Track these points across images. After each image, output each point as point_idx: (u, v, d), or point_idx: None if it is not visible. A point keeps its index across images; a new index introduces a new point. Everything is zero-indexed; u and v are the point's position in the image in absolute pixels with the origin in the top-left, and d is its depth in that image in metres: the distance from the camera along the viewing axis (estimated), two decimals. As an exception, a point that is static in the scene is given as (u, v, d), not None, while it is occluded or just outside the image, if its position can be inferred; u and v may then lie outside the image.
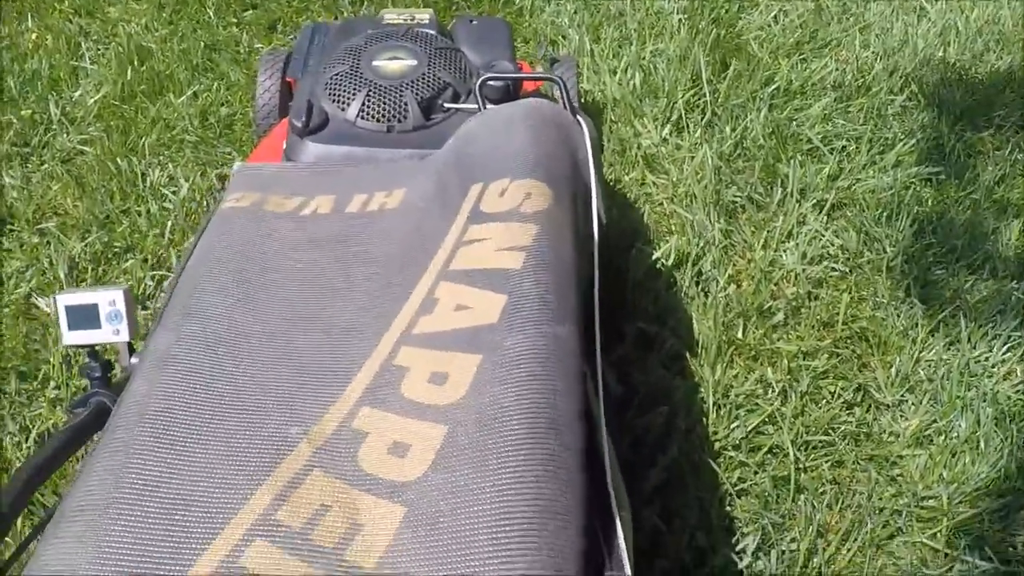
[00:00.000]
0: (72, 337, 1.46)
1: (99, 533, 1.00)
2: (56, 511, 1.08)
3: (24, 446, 2.16)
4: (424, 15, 2.28)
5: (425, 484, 1.03)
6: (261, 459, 1.10)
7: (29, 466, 1.17)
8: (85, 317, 1.45)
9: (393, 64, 1.99)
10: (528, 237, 1.32)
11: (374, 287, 1.37)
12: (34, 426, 2.20)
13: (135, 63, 3.29)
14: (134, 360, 1.48)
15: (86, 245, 2.62)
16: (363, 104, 1.91)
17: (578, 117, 1.78)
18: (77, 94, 3.21)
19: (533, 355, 1.14)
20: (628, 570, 1.05)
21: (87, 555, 0.98)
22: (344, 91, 1.95)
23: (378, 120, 1.90)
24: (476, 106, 1.89)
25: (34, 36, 3.50)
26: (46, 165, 2.94)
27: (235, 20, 3.56)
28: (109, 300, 1.44)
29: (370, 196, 1.59)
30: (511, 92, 1.94)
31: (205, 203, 2.74)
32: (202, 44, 3.40)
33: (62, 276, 2.52)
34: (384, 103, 1.91)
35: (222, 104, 3.14)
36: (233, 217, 1.53)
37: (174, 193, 2.79)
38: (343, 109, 1.92)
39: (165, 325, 1.32)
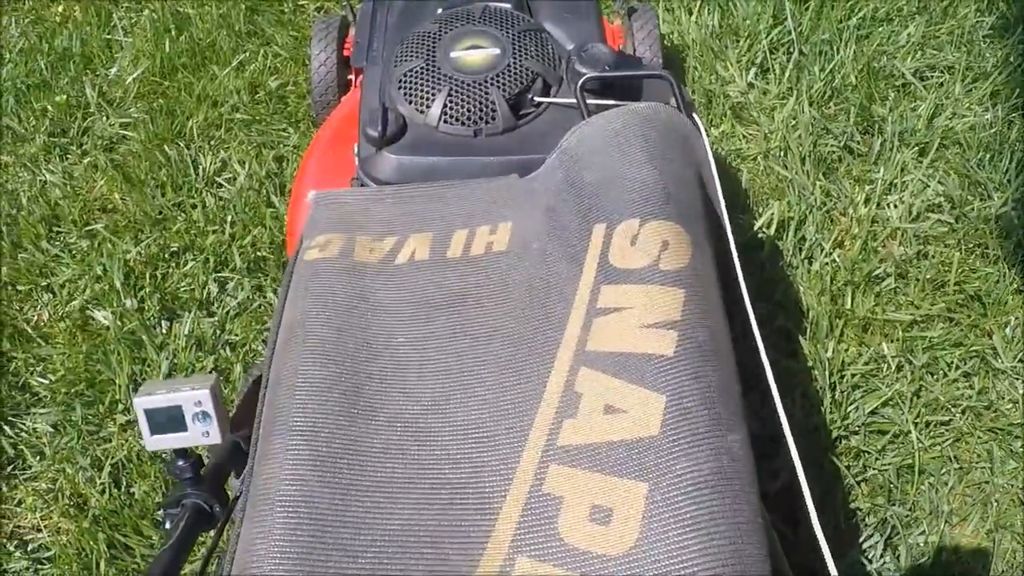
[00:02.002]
0: (155, 442, 1.31)
1: None
2: None
3: (98, 481, 2.06)
4: None
5: None
6: None
7: None
8: (169, 420, 1.30)
9: (474, 54, 1.79)
10: (676, 309, 1.16)
11: (501, 373, 1.21)
12: (107, 458, 2.10)
13: (172, 32, 3.12)
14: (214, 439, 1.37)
15: (141, 247, 2.48)
16: (445, 105, 1.71)
17: (694, 115, 1.62)
18: (113, 71, 3.04)
19: (710, 485, 1.00)
20: None
21: None
22: (422, 91, 1.75)
23: (463, 123, 1.71)
24: (573, 101, 1.69)
25: (60, 8, 3.32)
26: (88, 157, 2.78)
27: (276, -28, 3.35)
28: (195, 401, 1.28)
29: (472, 233, 1.42)
30: (612, 81, 1.74)
31: (264, 191, 2.59)
32: (243, 5, 3.20)
33: (118, 285, 2.38)
34: (469, 103, 1.72)
35: (271, 74, 2.96)
36: (322, 272, 1.36)
37: (230, 182, 2.64)
38: (422, 112, 1.73)
39: (268, 450, 1.17)
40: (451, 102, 1.71)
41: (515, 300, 1.29)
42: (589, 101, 1.66)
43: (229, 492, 1.35)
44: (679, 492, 0.98)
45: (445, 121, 1.71)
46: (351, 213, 1.49)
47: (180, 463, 1.29)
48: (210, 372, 2.20)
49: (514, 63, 1.76)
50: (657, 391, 1.07)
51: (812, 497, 1.00)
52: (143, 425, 1.29)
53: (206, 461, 1.35)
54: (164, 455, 1.99)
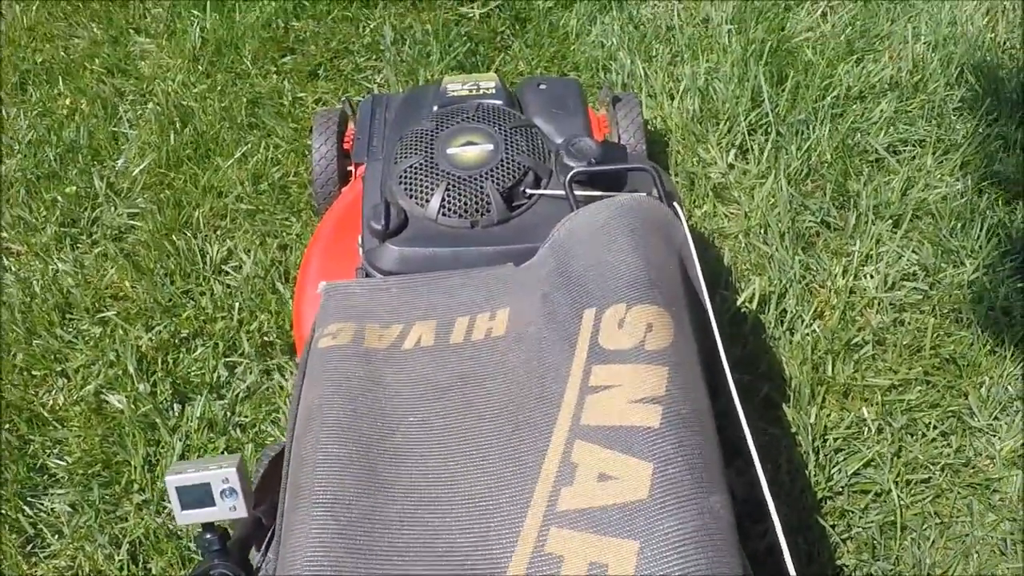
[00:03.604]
0: (186, 517, 1.43)
1: None
2: None
3: (116, 558, 2.14)
4: (489, 83, 2.23)
5: None
6: None
7: None
8: (198, 497, 1.42)
9: (469, 151, 1.92)
10: (661, 385, 1.28)
11: (503, 448, 1.33)
12: (124, 536, 2.18)
13: (176, 125, 3.22)
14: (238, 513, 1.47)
15: (152, 334, 2.57)
16: (443, 200, 1.85)
17: (674, 204, 1.75)
18: (120, 163, 3.13)
19: (693, 540, 1.12)
20: None
21: None
22: (421, 186, 1.89)
23: (460, 216, 1.84)
24: (562, 192, 1.82)
25: (68, 101, 3.42)
26: (98, 246, 2.87)
27: (274, 68, 3.47)
28: (222, 478, 1.41)
29: (472, 320, 1.54)
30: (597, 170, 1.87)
31: (270, 278, 2.68)
32: (244, 99, 3.31)
33: (131, 370, 2.47)
34: (465, 197, 1.85)
35: (273, 164, 3.06)
36: (335, 359, 1.48)
37: (236, 270, 2.74)
38: (422, 206, 1.86)
39: (293, 520, 1.29)
40: (449, 196, 1.84)
41: (514, 381, 1.41)
42: (577, 192, 1.79)
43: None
44: (667, 548, 1.10)
45: (444, 214, 1.84)
46: (359, 303, 1.61)
47: (208, 536, 1.40)
48: (234, 452, 2.30)
49: (507, 158, 1.90)
50: (645, 459, 1.20)
51: (799, 555, 1.10)
52: (174, 501, 1.41)
53: (229, 534, 1.47)
54: (184, 531, 2.11)
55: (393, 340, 1.52)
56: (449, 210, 1.85)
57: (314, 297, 1.74)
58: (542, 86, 2.24)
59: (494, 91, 2.19)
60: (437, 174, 1.89)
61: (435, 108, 2.12)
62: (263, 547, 1.44)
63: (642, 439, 1.23)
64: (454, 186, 1.86)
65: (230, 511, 1.42)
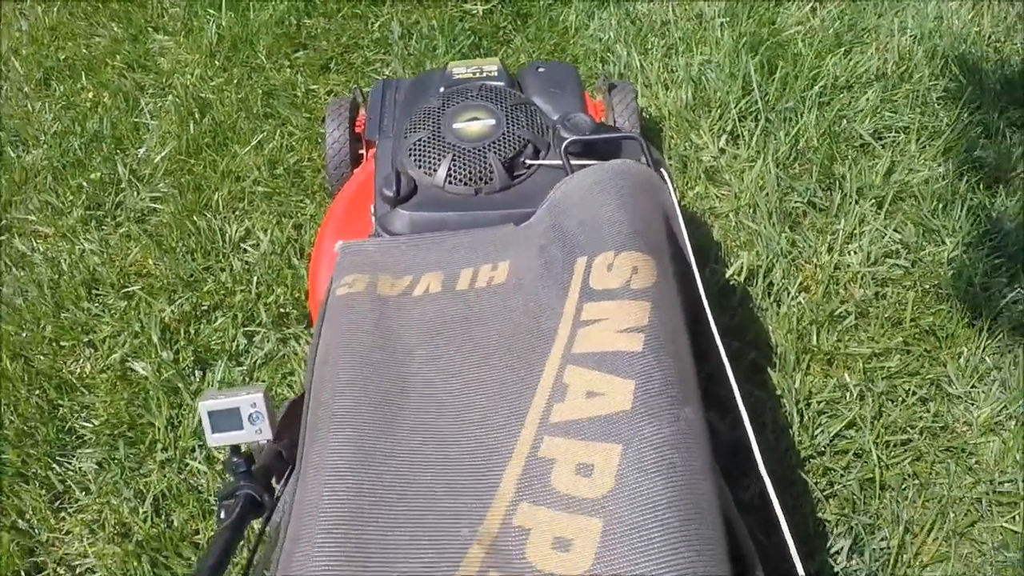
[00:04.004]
0: (216, 439, 1.55)
1: None
2: None
3: (141, 511, 2.25)
4: (492, 66, 2.34)
5: None
6: (440, 564, 1.19)
7: (208, 567, 1.26)
8: (227, 420, 1.54)
9: (473, 126, 2.04)
10: (643, 317, 1.40)
11: (505, 373, 1.45)
12: (148, 490, 2.29)
13: (195, 116, 3.34)
14: (262, 441, 1.57)
15: (175, 307, 2.69)
16: (450, 169, 1.96)
17: (661, 170, 1.86)
18: (142, 151, 3.26)
19: (669, 443, 1.23)
20: None
21: None
22: (429, 157, 2.00)
23: (465, 184, 1.95)
24: (559, 162, 1.94)
25: (91, 95, 3.54)
26: (122, 227, 2.99)
27: (287, 63, 3.59)
28: (250, 403, 1.53)
29: (476, 270, 1.66)
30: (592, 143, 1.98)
31: (286, 254, 2.80)
32: (259, 91, 3.43)
33: (155, 340, 2.59)
34: (470, 166, 1.96)
35: (288, 151, 3.18)
36: (351, 304, 1.60)
37: (254, 247, 2.85)
38: (430, 175, 1.97)
39: (314, 435, 1.41)
40: (455, 166, 1.96)
41: (513, 319, 1.53)
42: (572, 162, 1.90)
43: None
44: (647, 448, 1.22)
45: (450, 182, 1.95)
46: (373, 258, 1.73)
47: (235, 459, 1.51)
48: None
49: (508, 132, 2.01)
50: (629, 378, 1.32)
51: (786, 506, 1.20)
52: (206, 425, 1.54)
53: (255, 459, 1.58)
54: (204, 486, 2.21)
55: (404, 289, 1.64)
56: (455, 178, 1.96)
57: (327, 270, 1.85)
58: (541, 69, 2.36)
59: (496, 74, 2.30)
60: (444, 146, 2.01)
61: (442, 89, 2.23)
62: (283, 479, 1.54)
63: (626, 361, 1.35)
64: (459, 157, 1.98)
65: (256, 434, 1.54)
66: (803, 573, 1.17)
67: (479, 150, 1.98)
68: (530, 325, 1.50)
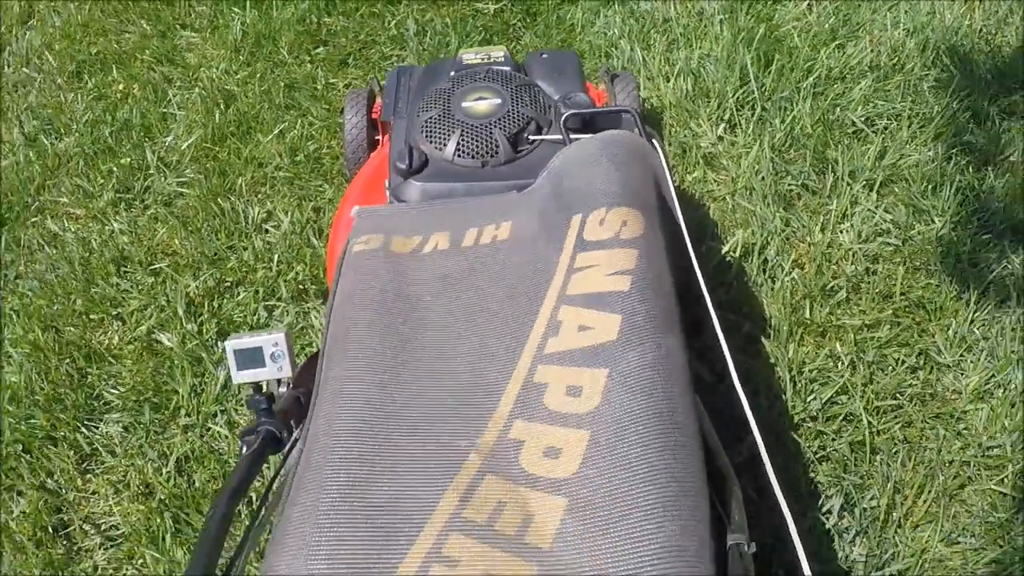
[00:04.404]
0: (241, 376, 1.62)
1: (318, 539, 1.16)
2: (275, 528, 1.23)
3: (164, 470, 2.29)
4: (499, 53, 2.37)
5: (579, 479, 1.19)
6: (442, 470, 1.25)
7: (226, 495, 1.29)
8: (251, 358, 1.60)
9: (480, 104, 2.08)
10: (631, 261, 1.45)
11: (505, 314, 1.50)
12: (171, 452, 2.33)
13: (220, 106, 3.38)
14: (282, 390, 1.64)
15: (199, 282, 2.72)
16: (458, 143, 2.00)
17: (653, 141, 1.89)
18: (169, 139, 3.30)
19: (651, 366, 1.30)
20: (746, 532, 1.28)
21: (315, 560, 1.14)
22: (439, 133, 2.04)
23: (473, 157, 1.99)
24: (559, 136, 1.98)
25: (121, 87, 3.59)
26: (150, 209, 3.03)
27: (308, 58, 3.62)
28: (272, 342, 1.60)
29: (481, 230, 1.70)
30: (589, 119, 2.04)
31: (305, 234, 2.84)
32: (281, 84, 3.47)
33: (180, 312, 2.63)
34: (477, 141, 2.00)
35: (308, 140, 3.22)
36: (365, 258, 1.65)
37: (275, 228, 2.89)
38: (440, 149, 2.01)
39: (331, 362, 1.46)
40: (463, 141, 2.00)
41: (514, 270, 1.59)
42: (572, 136, 1.94)
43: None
44: (630, 372, 1.29)
45: (458, 156, 1.99)
46: (386, 221, 1.79)
47: (257, 397, 1.57)
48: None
49: (512, 110, 2.06)
50: (615, 313, 1.38)
51: (777, 467, 1.24)
52: (231, 363, 1.61)
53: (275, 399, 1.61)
54: (225, 449, 2.23)
55: (414, 247, 1.69)
56: (463, 152, 2.00)
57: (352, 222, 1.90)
58: (544, 56, 2.39)
59: (503, 59, 2.34)
60: (453, 123, 2.05)
61: (452, 73, 2.26)
62: (301, 423, 1.57)
63: (614, 299, 1.40)
64: (467, 132, 2.02)
65: (278, 371, 1.61)
66: (795, 530, 1.19)
67: (486, 126, 2.02)
68: (529, 274, 1.55)
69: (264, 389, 1.63)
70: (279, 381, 1.65)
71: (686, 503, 1.14)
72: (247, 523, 1.44)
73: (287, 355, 1.60)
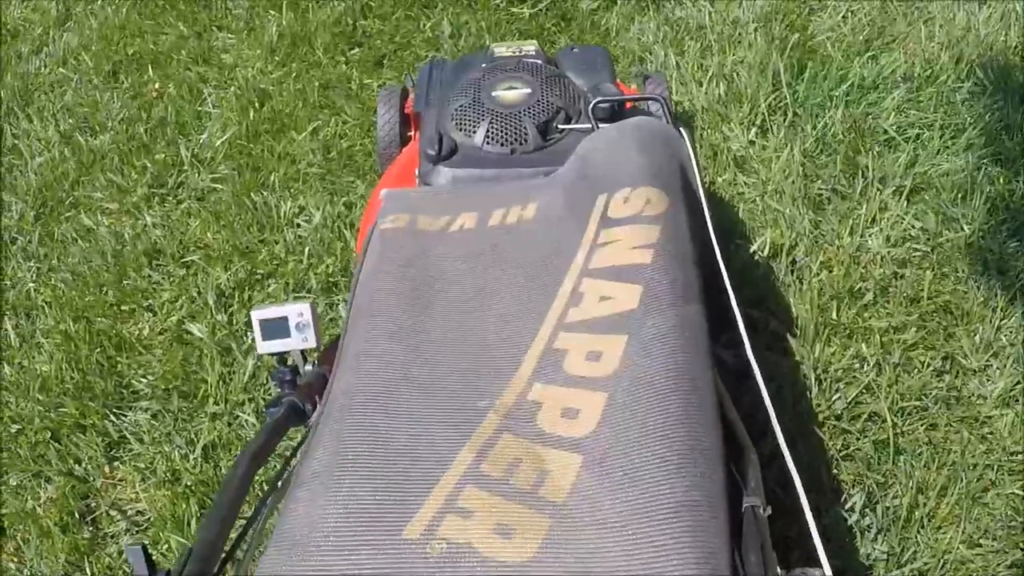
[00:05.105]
0: (266, 347, 1.65)
1: (335, 487, 1.20)
2: (292, 481, 1.27)
3: (191, 457, 2.35)
4: (530, 47, 2.43)
5: (596, 437, 1.23)
6: (460, 426, 1.30)
7: (246, 457, 1.34)
8: (277, 329, 1.64)
9: (510, 93, 2.14)
10: (654, 236, 1.50)
11: (527, 286, 1.55)
12: (198, 439, 2.39)
13: (255, 105, 3.47)
14: (308, 367, 1.68)
15: (230, 274, 2.80)
16: (488, 131, 2.05)
17: (680, 129, 1.95)
18: (204, 137, 3.39)
19: (670, 331, 1.34)
20: (762, 496, 1.30)
21: (331, 506, 1.18)
22: (469, 120, 2.10)
23: (502, 144, 2.04)
24: (588, 126, 2.04)
25: (156, 86, 3.69)
26: (183, 204, 3.12)
27: (343, 59, 3.72)
28: (298, 312, 1.63)
29: (507, 210, 1.75)
30: (617, 110, 2.09)
31: (337, 229, 2.91)
32: (316, 83, 3.56)
33: (211, 304, 2.70)
34: (506, 129, 2.05)
35: (341, 137, 3.30)
36: (393, 236, 1.71)
37: (307, 222, 2.97)
38: (470, 136, 2.07)
39: (354, 329, 1.52)
40: (492, 128, 2.06)
41: (538, 246, 1.64)
42: (600, 126, 1.99)
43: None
44: (650, 338, 1.33)
45: (487, 143, 2.05)
46: (415, 201, 1.84)
47: (282, 369, 1.61)
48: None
49: (542, 99, 2.11)
50: (636, 284, 1.43)
51: (797, 466, 1.27)
52: (257, 333, 1.64)
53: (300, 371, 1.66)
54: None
55: (442, 226, 1.74)
56: (492, 139, 2.05)
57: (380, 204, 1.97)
58: (575, 50, 2.45)
59: (534, 53, 2.40)
60: (483, 111, 2.10)
61: (483, 65, 2.33)
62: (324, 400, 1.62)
63: (636, 271, 1.45)
64: (497, 120, 2.07)
65: (303, 342, 1.64)
66: (814, 526, 1.18)
67: (515, 114, 2.08)
68: (553, 250, 1.60)
69: (289, 362, 1.67)
70: (304, 355, 1.68)
71: (701, 460, 1.17)
72: (268, 486, 1.49)
73: (312, 325, 1.63)
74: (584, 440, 1.23)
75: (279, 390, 1.59)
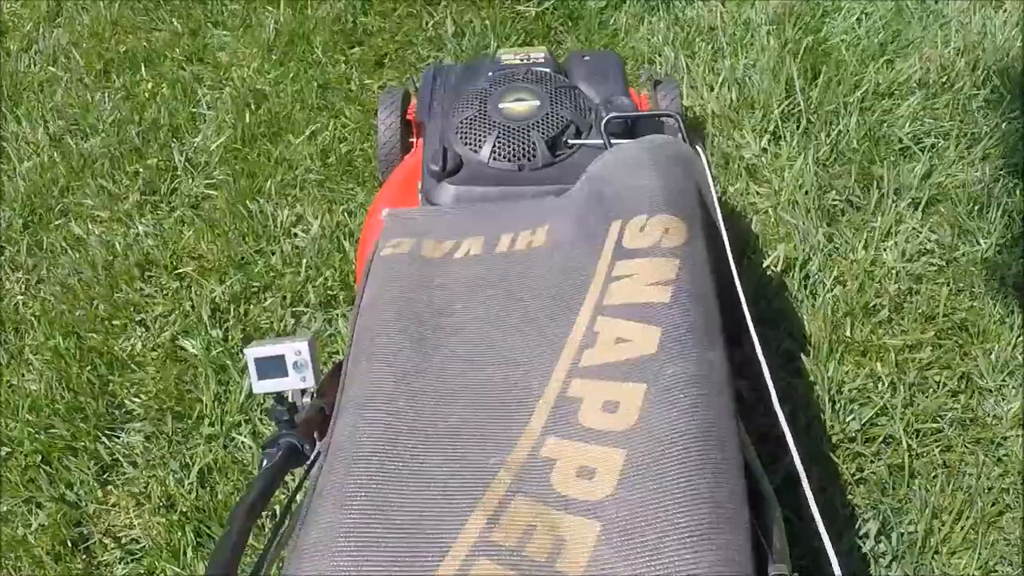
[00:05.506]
0: (261, 386, 1.60)
1: (337, 563, 1.16)
2: (294, 547, 1.23)
3: (186, 482, 2.33)
4: (539, 54, 2.41)
5: (615, 502, 1.18)
6: (469, 488, 1.25)
7: (243, 508, 1.30)
8: (273, 367, 1.58)
9: (518, 106, 2.12)
10: (672, 271, 1.46)
11: (538, 324, 1.51)
12: (194, 463, 2.36)
13: (251, 107, 3.45)
14: (305, 400, 1.64)
15: (225, 287, 2.77)
16: (494, 146, 2.03)
17: (696, 147, 1.93)
18: (198, 140, 3.36)
19: (693, 382, 1.29)
20: (788, 561, 1.25)
21: None
22: (475, 134, 2.08)
23: (509, 160, 2.02)
24: (600, 141, 2.01)
25: (149, 86, 3.67)
26: (176, 211, 3.09)
27: (343, 58, 3.69)
28: (295, 351, 1.57)
29: (516, 235, 1.72)
30: (630, 124, 2.06)
31: (335, 239, 2.88)
32: (315, 84, 3.54)
33: (205, 319, 2.67)
34: (514, 144, 2.04)
35: (340, 141, 3.28)
36: (394, 263, 1.68)
37: (305, 232, 2.94)
38: (476, 151, 2.05)
39: (353, 373, 1.48)
40: (499, 143, 2.03)
41: (549, 276, 1.60)
42: (613, 141, 1.97)
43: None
44: (671, 386, 1.29)
45: (494, 158, 2.03)
46: (418, 224, 1.81)
47: (279, 408, 1.56)
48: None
49: (551, 112, 2.08)
50: (656, 325, 1.39)
51: (812, 489, 1.24)
52: (252, 372, 1.59)
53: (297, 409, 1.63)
54: (248, 460, 2.27)
55: (446, 251, 1.71)
56: (499, 155, 2.03)
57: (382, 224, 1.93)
58: (586, 58, 2.42)
59: (543, 61, 2.37)
60: (490, 124, 2.08)
61: (490, 74, 2.31)
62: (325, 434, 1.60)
63: (654, 311, 1.41)
64: (504, 134, 2.05)
65: (301, 381, 1.59)
66: (835, 559, 1.18)
67: (523, 129, 2.06)
68: (565, 282, 1.56)
69: (288, 399, 1.61)
70: (303, 391, 1.63)
71: (727, 530, 1.13)
72: (267, 538, 1.46)
73: (311, 364, 1.58)
74: (602, 504, 1.19)
75: (276, 429, 1.55)
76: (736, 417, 1.33)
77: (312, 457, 1.51)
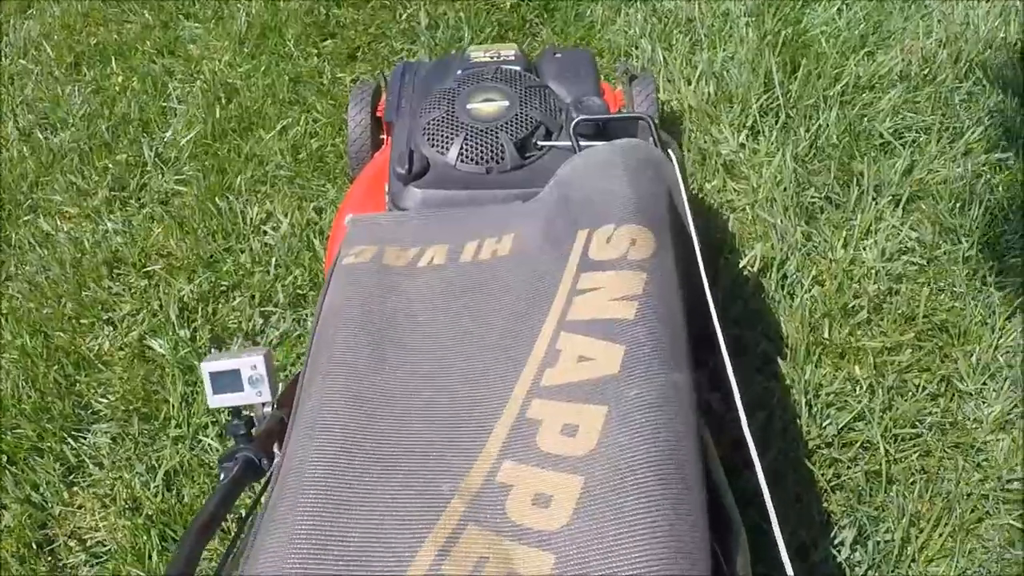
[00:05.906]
0: (216, 400, 1.55)
1: None
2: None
3: (152, 485, 2.29)
4: (509, 51, 2.36)
5: (570, 532, 1.13)
6: (420, 517, 1.20)
7: (197, 526, 1.26)
8: (228, 382, 1.54)
9: (487, 106, 2.07)
10: (638, 286, 1.42)
11: (498, 339, 1.47)
12: (160, 465, 2.33)
13: (222, 101, 3.42)
14: (266, 410, 1.59)
15: (194, 286, 2.74)
16: (462, 148, 1.99)
17: (668, 151, 1.89)
18: (168, 135, 3.33)
19: (655, 405, 1.25)
20: None
21: None
22: (442, 136, 2.03)
23: (477, 162, 1.98)
24: (569, 143, 1.96)
25: (120, 79, 3.63)
26: (146, 208, 3.06)
27: (315, 51, 3.66)
28: (251, 365, 1.53)
29: (481, 243, 1.68)
30: (602, 125, 2.02)
31: (305, 237, 2.85)
32: (286, 78, 3.51)
33: (173, 318, 2.64)
34: (482, 146, 1.99)
35: (311, 136, 3.25)
36: (355, 272, 1.63)
37: (274, 229, 2.91)
38: (443, 153, 1.99)
39: (308, 390, 1.44)
40: (467, 145, 1.99)
41: (513, 287, 1.55)
42: (583, 144, 1.92)
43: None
44: (632, 410, 1.24)
45: (462, 161, 1.98)
46: (381, 231, 1.77)
47: (235, 422, 1.52)
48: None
49: (520, 113, 2.04)
50: (619, 343, 1.34)
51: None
52: (207, 385, 1.54)
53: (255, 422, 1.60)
54: (215, 463, 2.24)
55: (409, 260, 1.67)
56: (467, 157, 1.99)
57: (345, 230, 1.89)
58: (557, 55, 2.38)
59: (513, 58, 2.33)
60: (457, 126, 2.04)
61: (459, 72, 2.26)
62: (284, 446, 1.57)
63: (618, 328, 1.36)
64: (472, 136, 2.01)
65: (256, 396, 1.55)
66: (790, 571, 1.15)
67: (491, 130, 2.01)
68: (529, 294, 1.52)
69: (245, 412, 1.58)
70: (262, 404, 1.60)
71: (685, 566, 1.08)
72: (224, 551, 1.41)
73: (266, 379, 1.54)
74: (557, 535, 1.14)
75: (232, 443, 1.52)
76: (701, 439, 1.28)
77: (269, 472, 1.47)
